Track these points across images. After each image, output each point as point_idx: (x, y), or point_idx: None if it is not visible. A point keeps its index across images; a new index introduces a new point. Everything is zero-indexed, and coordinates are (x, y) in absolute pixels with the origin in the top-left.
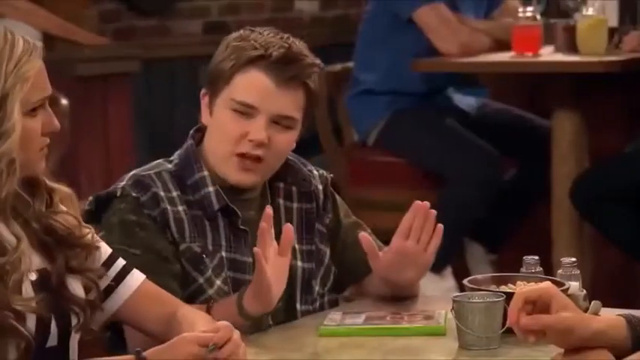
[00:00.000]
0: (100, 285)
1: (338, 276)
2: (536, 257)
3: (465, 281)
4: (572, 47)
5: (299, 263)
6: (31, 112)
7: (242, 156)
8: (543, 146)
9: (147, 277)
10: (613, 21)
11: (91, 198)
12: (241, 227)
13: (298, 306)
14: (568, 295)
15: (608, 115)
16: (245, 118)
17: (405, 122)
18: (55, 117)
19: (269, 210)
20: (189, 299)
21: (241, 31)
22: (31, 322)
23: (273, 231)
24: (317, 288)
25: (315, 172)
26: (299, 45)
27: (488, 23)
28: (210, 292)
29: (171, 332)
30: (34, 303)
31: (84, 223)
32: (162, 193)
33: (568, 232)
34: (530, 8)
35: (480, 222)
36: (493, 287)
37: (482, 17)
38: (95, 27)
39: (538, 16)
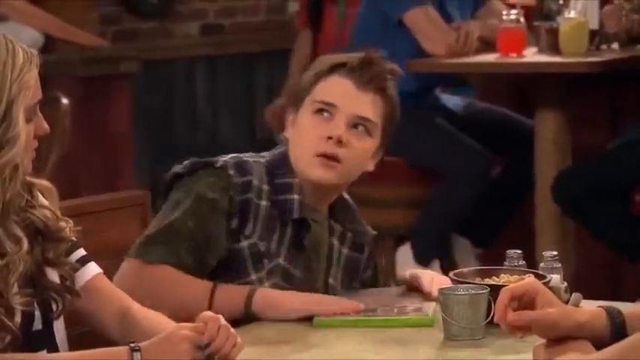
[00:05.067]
0: (74, 278)
1: None
2: (519, 251)
3: (451, 274)
4: (554, 48)
5: None
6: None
7: (322, 155)
8: (528, 144)
9: (185, 246)
10: (594, 23)
11: (186, 162)
12: (304, 243)
13: None
14: (550, 288)
15: (590, 114)
16: (326, 120)
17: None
18: (44, 120)
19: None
20: None
21: None
22: (18, 312)
23: None
24: None
25: (368, 229)
26: (377, 54)
27: (478, 24)
28: None
29: (129, 329)
30: (24, 297)
31: (62, 217)
32: (255, 182)
33: (551, 228)
34: (514, 11)
35: (467, 218)
36: (478, 280)
37: (468, 17)
38: (96, 29)
39: (522, 19)
